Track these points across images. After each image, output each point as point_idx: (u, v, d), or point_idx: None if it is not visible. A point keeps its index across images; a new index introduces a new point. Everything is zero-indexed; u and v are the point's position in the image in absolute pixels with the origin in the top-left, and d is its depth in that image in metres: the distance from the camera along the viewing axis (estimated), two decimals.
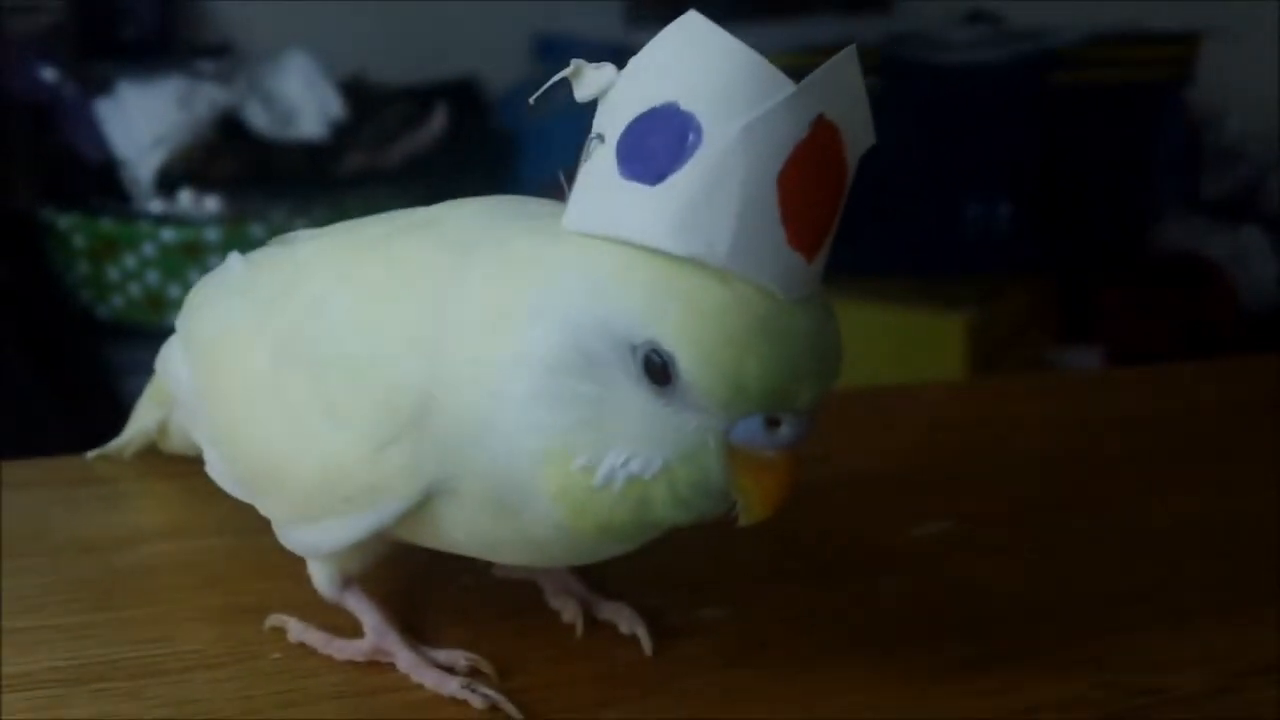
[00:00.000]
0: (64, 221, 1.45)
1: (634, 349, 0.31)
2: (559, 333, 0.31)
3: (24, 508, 0.48)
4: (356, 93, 1.59)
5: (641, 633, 0.39)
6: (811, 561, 0.45)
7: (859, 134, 0.31)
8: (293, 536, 0.38)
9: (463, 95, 1.70)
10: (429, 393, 0.33)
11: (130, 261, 1.42)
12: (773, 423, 0.31)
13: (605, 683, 0.38)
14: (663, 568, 0.41)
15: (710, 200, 0.30)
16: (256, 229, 1.33)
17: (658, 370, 0.31)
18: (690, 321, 0.30)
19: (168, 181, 1.42)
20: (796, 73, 0.29)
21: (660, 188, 0.30)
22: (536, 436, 0.32)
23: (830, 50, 0.30)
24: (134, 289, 1.43)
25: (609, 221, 0.31)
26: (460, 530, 0.35)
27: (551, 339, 0.31)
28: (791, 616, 0.42)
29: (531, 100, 0.34)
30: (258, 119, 1.49)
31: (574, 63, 0.32)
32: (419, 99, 1.63)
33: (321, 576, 0.39)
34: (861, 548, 0.47)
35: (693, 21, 0.30)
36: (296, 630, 0.39)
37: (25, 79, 1.43)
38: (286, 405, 0.36)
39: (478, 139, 1.66)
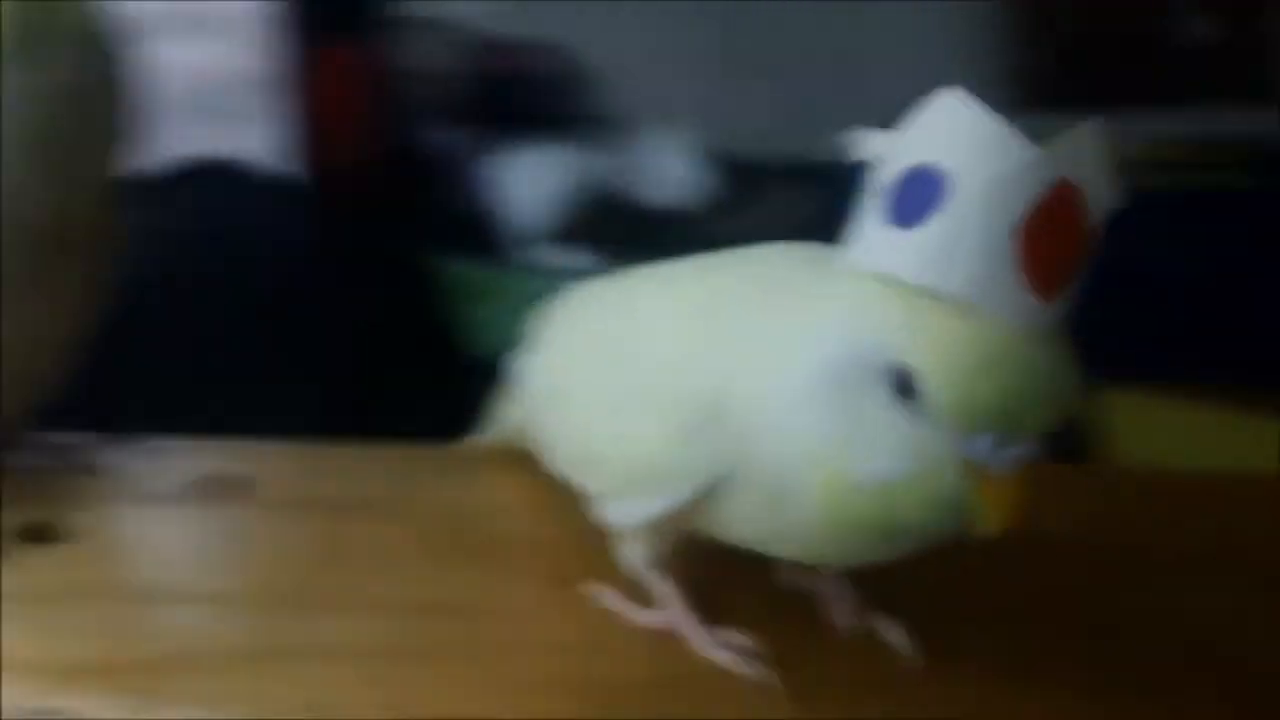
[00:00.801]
0: (448, 268, 1.57)
1: (889, 368, 0.36)
2: (832, 352, 0.37)
3: (398, 478, 0.59)
4: (731, 165, 1.67)
5: (906, 643, 0.44)
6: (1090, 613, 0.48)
7: (1102, 197, 0.36)
8: (607, 511, 0.45)
9: (826, 171, 1.73)
10: (727, 394, 0.39)
11: (505, 308, 1.51)
12: (1003, 443, 0.35)
13: (867, 685, 0.42)
14: (938, 592, 0.46)
15: (956, 244, 0.35)
16: None
17: (906, 388, 0.35)
18: (934, 347, 0.35)
19: (546, 238, 1.56)
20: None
21: (916, 232, 0.36)
22: (808, 439, 0.37)
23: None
24: (508, 332, 1.50)
25: (875, 261, 0.37)
26: (740, 521, 0.41)
27: (826, 357, 0.37)
28: (1058, 653, 0.44)
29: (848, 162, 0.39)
30: (634, 187, 1.61)
31: (857, 130, 0.39)
32: (791, 174, 1.68)
33: (630, 553, 0.46)
34: (1139, 607, 0.48)
35: (955, 97, 0.36)
36: (606, 598, 0.46)
37: (422, 136, 1.59)
38: (608, 398, 0.44)
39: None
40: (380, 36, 1.47)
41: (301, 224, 1.49)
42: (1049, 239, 0.35)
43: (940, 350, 0.35)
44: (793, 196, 1.65)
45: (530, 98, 1.67)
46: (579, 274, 0.49)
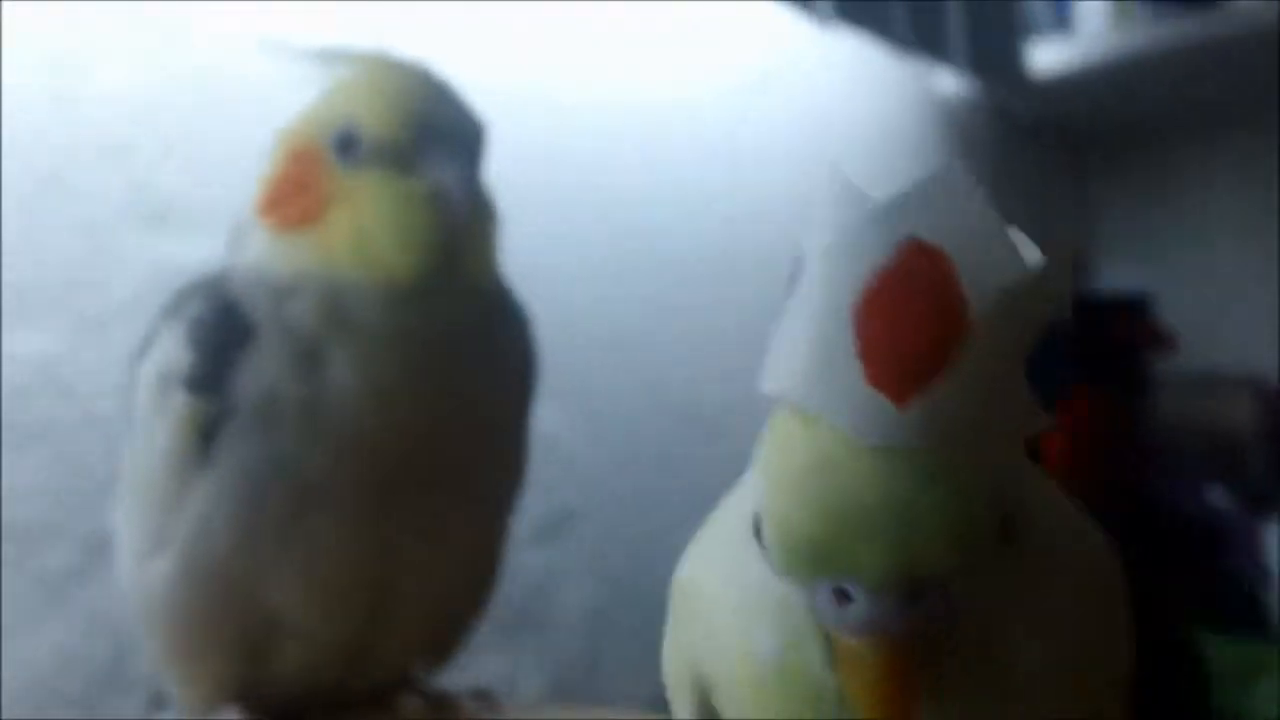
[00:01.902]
0: (1206, 642, 1.33)
1: (752, 514, 0.29)
2: (734, 513, 0.31)
3: None
4: None
5: None
6: None
7: (982, 259, 0.27)
8: None
9: None
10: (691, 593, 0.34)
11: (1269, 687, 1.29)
12: (843, 596, 0.27)
13: None
14: None
15: (795, 335, 0.28)
16: None
17: (757, 530, 0.29)
18: (769, 467, 0.28)
19: None
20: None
21: (778, 334, 0.29)
22: (726, 626, 0.31)
23: None
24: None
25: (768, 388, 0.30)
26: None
27: (730, 522, 0.31)
28: None
29: None
30: None
31: None
32: None
33: None
34: None
35: (832, 176, 0.29)
36: None
37: (1193, 500, 1.40)
38: None
39: None
40: (1137, 384, 1.30)
41: None
42: (896, 319, 0.27)
43: (771, 469, 0.28)
44: None
45: None
46: None
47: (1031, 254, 0.28)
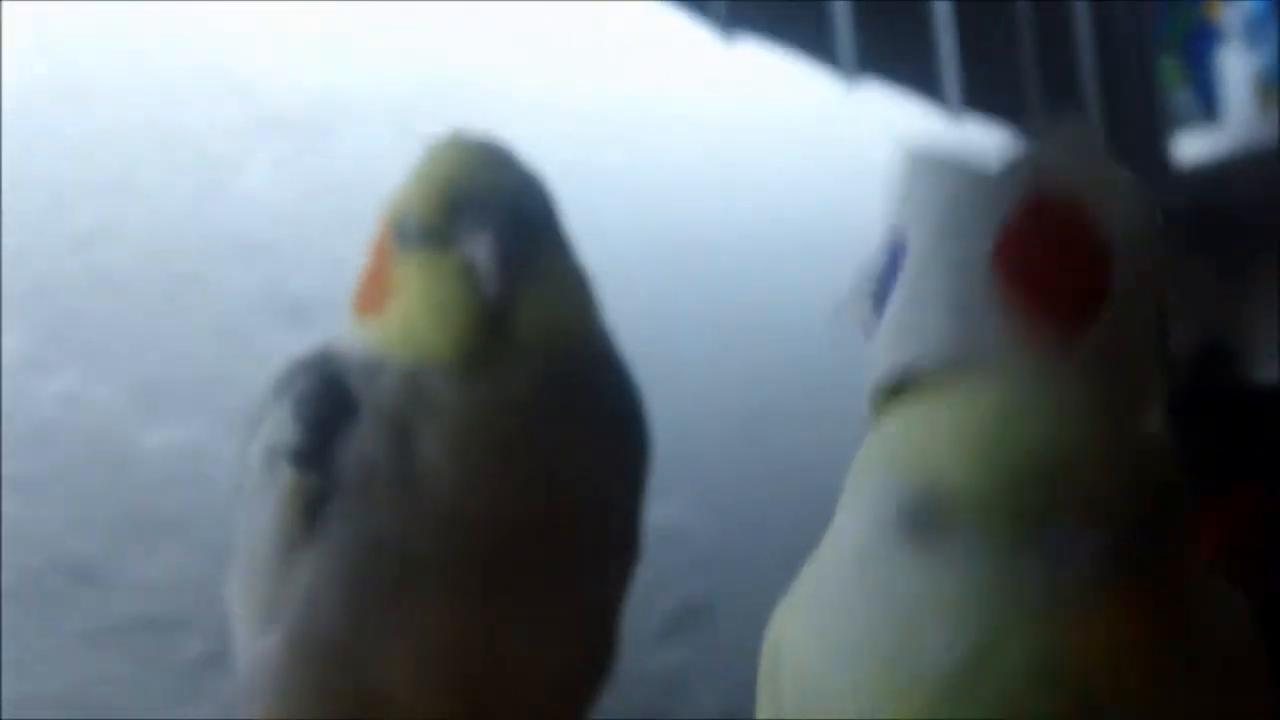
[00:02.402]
0: None
1: (899, 506, 0.26)
2: (848, 529, 0.28)
3: None
4: None
5: None
6: None
7: (1110, 206, 0.27)
8: None
9: None
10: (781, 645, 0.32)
11: None
12: (1076, 540, 0.24)
13: None
14: None
15: (918, 306, 0.27)
16: None
17: (922, 519, 0.26)
18: (915, 444, 0.26)
19: None
20: None
21: (884, 320, 0.28)
22: (833, 649, 0.28)
23: None
24: None
25: (870, 379, 0.29)
26: None
27: (842, 538, 0.29)
28: None
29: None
30: None
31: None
32: None
33: None
34: None
35: (912, 153, 0.28)
36: None
37: None
38: None
39: None
40: None
41: None
42: (1047, 261, 0.26)
43: (920, 442, 0.25)
44: None
45: None
46: None
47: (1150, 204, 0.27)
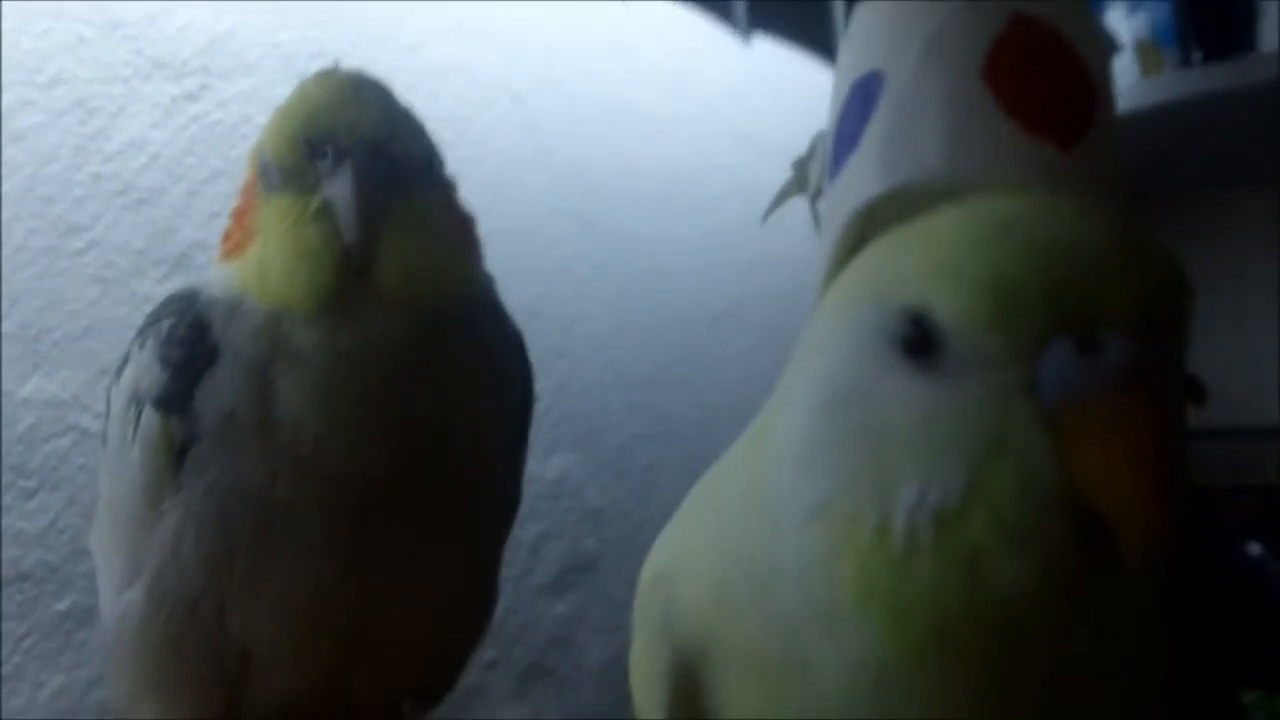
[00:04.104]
0: (1250, 698, 1.20)
1: (890, 333, 0.24)
2: (827, 367, 0.26)
3: None
4: None
5: None
6: None
7: (1084, 28, 0.27)
8: None
9: None
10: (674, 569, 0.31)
11: None
12: (1089, 347, 0.22)
13: None
14: None
15: (906, 128, 0.27)
16: None
17: (915, 338, 0.24)
18: (929, 254, 0.24)
19: None
20: None
21: (861, 147, 0.28)
22: (813, 510, 0.25)
23: None
24: None
25: (841, 213, 0.28)
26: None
27: (821, 378, 0.26)
28: None
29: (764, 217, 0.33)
30: None
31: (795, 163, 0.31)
32: None
33: None
34: None
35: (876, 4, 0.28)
36: None
37: (1231, 555, 1.32)
38: None
39: None
40: None
41: None
42: (1033, 76, 0.26)
43: (934, 252, 0.24)
44: None
45: None
46: None
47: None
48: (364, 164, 0.49)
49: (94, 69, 0.75)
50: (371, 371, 0.49)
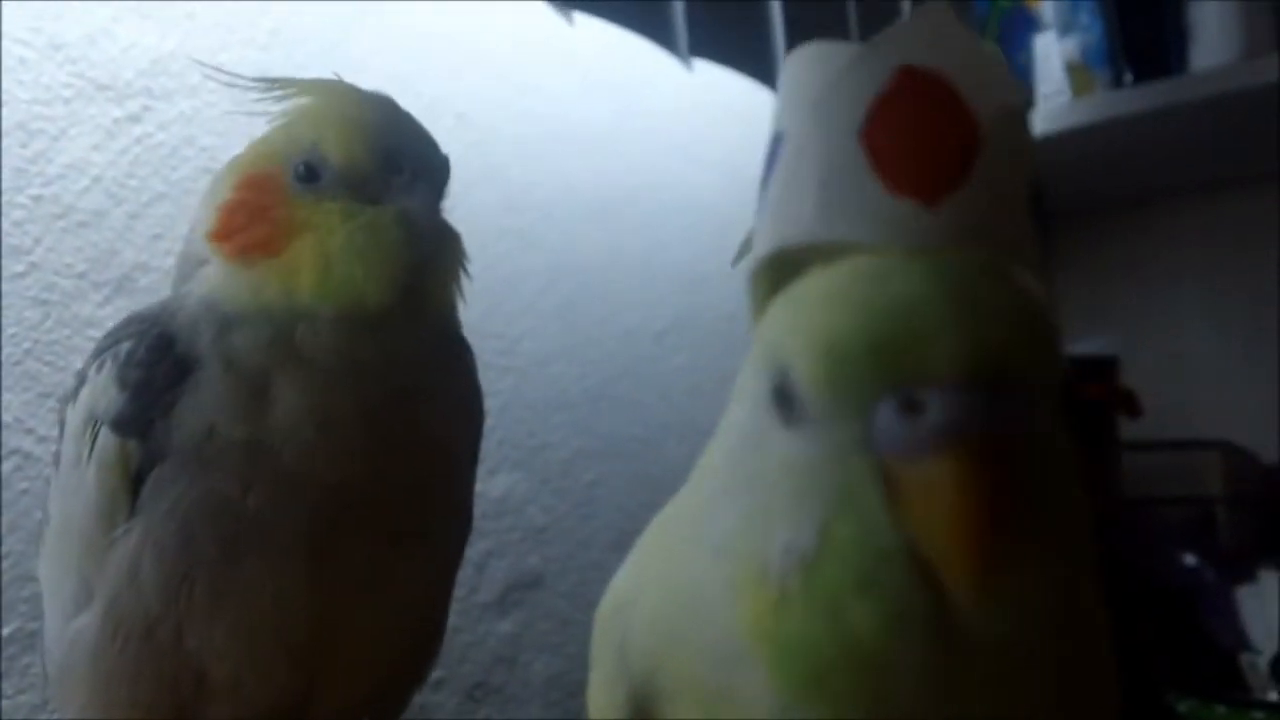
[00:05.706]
0: (1184, 706, 1.31)
1: (768, 390, 0.27)
2: (735, 415, 0.29)
3: None
4: None
5: None
6: None
7: (978, 79, 0.27)
8: None
9: None
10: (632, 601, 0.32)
11: None
12: (910, 406, 0.24)
13: None
14: None
15: (792, 187, 0.28)
16: None
17: (782, 396, 0.26)
18: (788, 316, 0.26)
19: None
20: None
21: (762, 206, 0.29)
22: (718, 550, 0.28)
23: None
24: None
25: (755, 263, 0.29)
26: None
27: (731, 426, 0.29)
28: None
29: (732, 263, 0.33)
30: None
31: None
32: None
33: None
34: None
35: (793, 52, 0.29)
36: None
37: (1167, 565, 1.41)
38: None
39: None
40: (1106, 446, 1.29)
41: None
42: (907, 133, 0.27)
43: (793, 309, 0.26)
44: None
45: None
46: None
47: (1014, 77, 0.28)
48: (437, 176, 0.52)
49: (34, 90, 0.74)
50: (380, 384, 0.50)
